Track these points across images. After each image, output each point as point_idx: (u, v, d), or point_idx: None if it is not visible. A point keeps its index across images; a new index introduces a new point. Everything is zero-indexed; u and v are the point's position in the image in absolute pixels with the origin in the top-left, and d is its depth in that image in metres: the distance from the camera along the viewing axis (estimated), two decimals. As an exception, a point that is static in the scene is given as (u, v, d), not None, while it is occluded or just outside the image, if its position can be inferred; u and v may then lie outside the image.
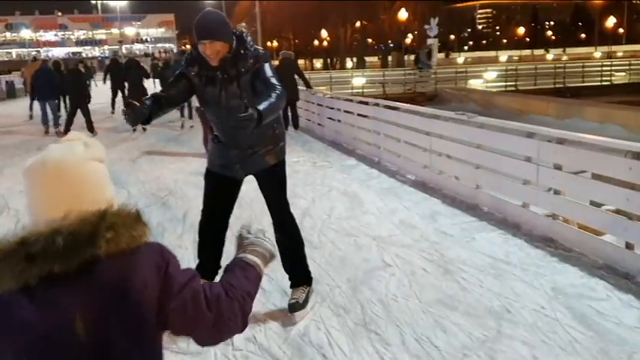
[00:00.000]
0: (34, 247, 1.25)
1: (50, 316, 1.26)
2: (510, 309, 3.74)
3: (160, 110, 3.38)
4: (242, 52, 3.43)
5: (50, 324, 1.26)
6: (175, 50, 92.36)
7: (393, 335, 3.49)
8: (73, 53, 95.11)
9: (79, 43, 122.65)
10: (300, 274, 3.94)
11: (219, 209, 3.81)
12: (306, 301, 3.83)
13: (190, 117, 13.88)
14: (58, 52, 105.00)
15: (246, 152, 3.62)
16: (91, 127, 12.90)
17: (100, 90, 17.92)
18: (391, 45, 62.15)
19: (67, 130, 12.56)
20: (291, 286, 3.94)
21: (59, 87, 13.41)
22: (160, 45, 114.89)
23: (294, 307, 3.76)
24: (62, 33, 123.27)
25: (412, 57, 41.50)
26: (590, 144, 4.72)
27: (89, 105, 13.34)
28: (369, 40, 66.95)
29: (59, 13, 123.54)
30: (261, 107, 3.02)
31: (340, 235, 5.38)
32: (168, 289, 1.36)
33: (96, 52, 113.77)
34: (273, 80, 3.41)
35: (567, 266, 4.42)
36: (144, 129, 13.04)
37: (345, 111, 10.56)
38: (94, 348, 1.27)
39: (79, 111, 12.96)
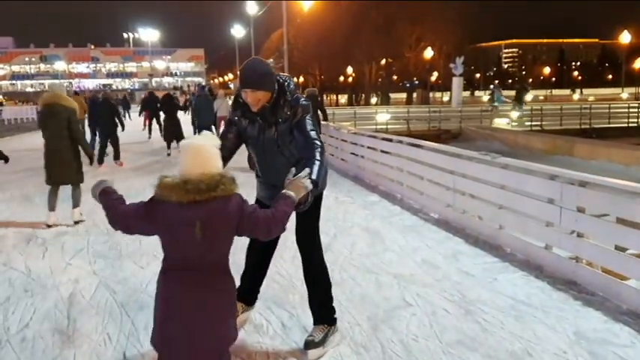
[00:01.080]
0: (190, 185, 2.56)
1: (186, 218, 2.57)
2: (532, 352, 3.72)
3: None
4: (282, 102, 3.60)
5: (185, 221, 2.57)
6: (203, 83, 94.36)
7: (412, 375, 3.48)
8: (104, 85, 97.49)
9: (110, 75, 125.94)
10: (321, 312, 3.95)
11: None
12: (323, 340, 3.82)
13: None
14: (90, 84, 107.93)
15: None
16: (117, 156, 13.72)
17: (135, 121, 19.19)
18: (416, 82, 62.67)
19: (100, 158, 13.14)
20: (313, 323, 3.96)
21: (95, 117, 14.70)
22: (189, 79, 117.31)
23: (309, 344, 3.79)
24: (94, 65, 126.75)
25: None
26: (613, 187, 4.71)
27: (121, 133, 14.42)
28: (396, 78, 67.59)
29: (92, 46, 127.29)
30: (314, 176, 3.31)
31: (361, 272, 5.40)
32: (243, 215, 2.69)
33: (126, 84, 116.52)
34: (313, 134, 3.58)
35: (590, 310, 4.39)
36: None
37: (369, 147, 10.66)
38: (204, 238, 2.58)
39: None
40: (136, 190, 9.20)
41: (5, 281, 5.36)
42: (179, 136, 14.46)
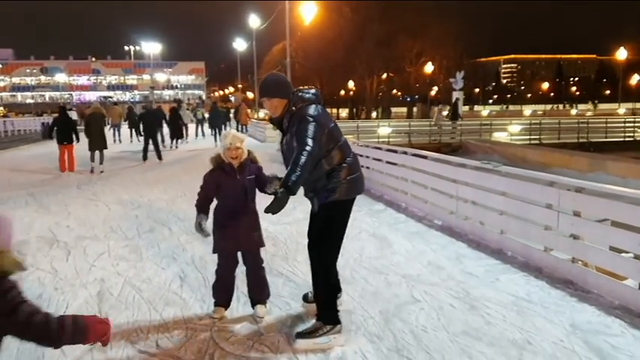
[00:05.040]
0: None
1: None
2: (532, 341, 4.07)
3: None
4: (288, 112, 4.03)
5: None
6: (204, 97, 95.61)
7: (423, 360, 3.84)
8: (104, 97, 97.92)
9: (111, 87, 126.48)
10: (319, 309, 4.24)
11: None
12: (312, 334, 4.07)
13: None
14: (90, 96, 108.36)
15: (309, 194, 4.22)
16: (159, 156, 17.26)
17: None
18: (416, 97, 63.20)
19: (144, 155, 17.12)
20: None
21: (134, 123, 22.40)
22: (189, 92, 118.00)
23: (298, 333, 4.13)
24: (95, 77, 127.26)
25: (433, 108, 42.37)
26: (607, 193, 5.09)
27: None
28: (396, 92, 68.09)
29: (93, 59, 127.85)
30: (290, 182, 3.51)
31: (371, 273, 5.75)
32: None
33: (126, 96, 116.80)
34: (302, 139, 3.75)
35: (585, 305, 4.76)
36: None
37: (374, 158, 11.03)
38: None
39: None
40: (150, 201, 9.59)
41: (35, 280, 5.68)
42: (180, 136, 22.96)
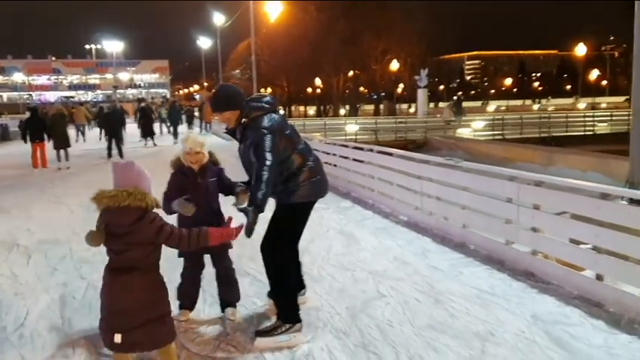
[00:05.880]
0: None
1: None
2: (494, 333, 4.17)
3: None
4: (241, 123, 4.05)
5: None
6: (169, 96, 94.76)
7: (389, 355, 3.88)
8: (66, 97, 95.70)
9: (72, 87, 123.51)
10: (277, 308, 4.28)
11: None
12: (271, 332, 4.10)
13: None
14: (51, 96, 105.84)
15: (272, 196, 4.18)
16: (120, 154, 17.34)
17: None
18: (382, 94, 63.62)
19: (109, 153, 17.53)
20: None
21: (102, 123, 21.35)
22: (153, 90, 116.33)
23: (258, 332, 4.16)
24: (55, 77, 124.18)
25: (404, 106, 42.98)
26: (565, 186, 5.23)
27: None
28: (362, 89, 68.45)
29: (53, 58, 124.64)
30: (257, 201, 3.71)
31: (338, 270, 5.79)
32: None
33: (89, 96, 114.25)
34: (260, 154, 3.81)
35: (546, 297, 4.89)
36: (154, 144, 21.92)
37: (341, 156, 11.07)
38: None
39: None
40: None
41: (-6, 286, 5.55)
42: (151, 134, 22.39)
